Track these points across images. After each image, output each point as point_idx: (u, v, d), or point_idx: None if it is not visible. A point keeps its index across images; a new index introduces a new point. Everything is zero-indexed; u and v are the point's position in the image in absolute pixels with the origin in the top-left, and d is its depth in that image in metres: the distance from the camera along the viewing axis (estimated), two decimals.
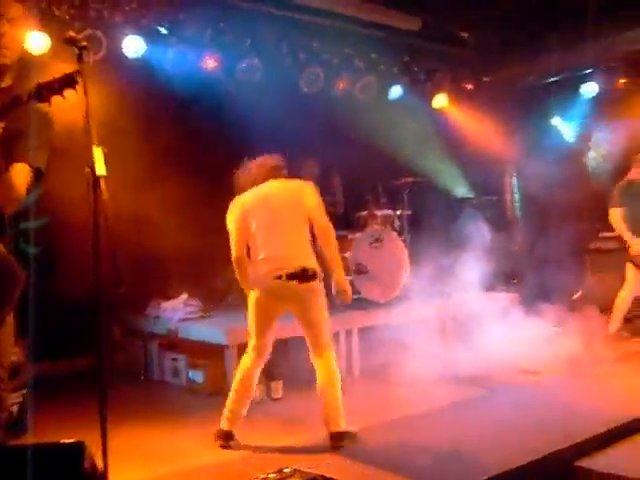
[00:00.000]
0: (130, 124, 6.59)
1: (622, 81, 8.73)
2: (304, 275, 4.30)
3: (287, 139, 7.25)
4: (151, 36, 6.59)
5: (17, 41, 4.98)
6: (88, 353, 5.53)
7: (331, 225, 4.43)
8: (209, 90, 7.04)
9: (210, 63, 7.06)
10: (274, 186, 4.56)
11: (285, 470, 3.49)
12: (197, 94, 6.93)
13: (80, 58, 2.92)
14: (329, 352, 4.37)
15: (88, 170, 2.79)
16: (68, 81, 2.90)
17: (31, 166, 3.00)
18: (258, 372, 4.53)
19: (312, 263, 4.39)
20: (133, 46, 6.45)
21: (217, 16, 6.91)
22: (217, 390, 5.47)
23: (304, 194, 4.49)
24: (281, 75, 7.61)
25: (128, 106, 6.58)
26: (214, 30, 6.90)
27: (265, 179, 4.56)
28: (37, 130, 3.02)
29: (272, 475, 3.43)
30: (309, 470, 3.48)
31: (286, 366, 5.63)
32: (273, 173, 4.59)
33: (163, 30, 6.66)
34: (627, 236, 6.87)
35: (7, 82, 3.14)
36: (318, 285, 4.38)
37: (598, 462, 3.87)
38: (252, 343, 4.49)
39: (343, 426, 4.25)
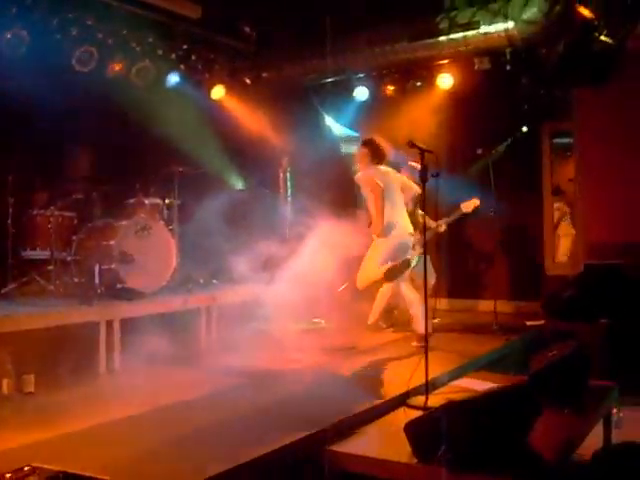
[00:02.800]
0: None
1: (390, 88, 9.30)
2: None
3: (55, 119, 6.92)
4: None
5: None
6: None
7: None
8: None
9: None
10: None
11: (24, 468, 3.32)
12: None
13: None
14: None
15: None
16: None
17: None
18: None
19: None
20: None
21: None
22: None
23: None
24: (51, 51, 7.19)
25: None
26: None
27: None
28: None
29: (8, 475, 3.23)
30: (50, 467, 3.34)
31: (39, 359, 5.35)
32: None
33: None
34: None
35: None
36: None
37: (347, 445, 4.03)
38: None
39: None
